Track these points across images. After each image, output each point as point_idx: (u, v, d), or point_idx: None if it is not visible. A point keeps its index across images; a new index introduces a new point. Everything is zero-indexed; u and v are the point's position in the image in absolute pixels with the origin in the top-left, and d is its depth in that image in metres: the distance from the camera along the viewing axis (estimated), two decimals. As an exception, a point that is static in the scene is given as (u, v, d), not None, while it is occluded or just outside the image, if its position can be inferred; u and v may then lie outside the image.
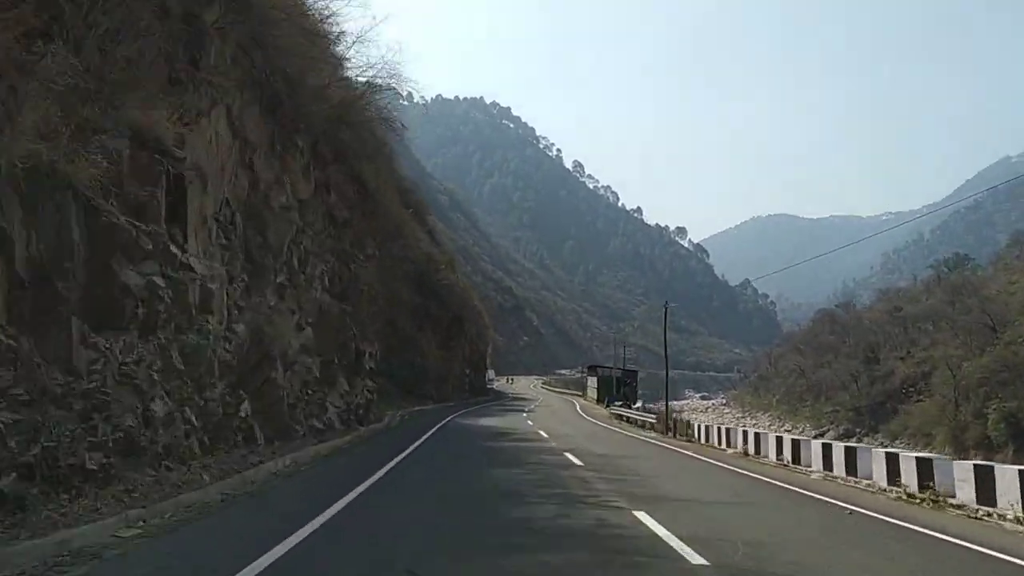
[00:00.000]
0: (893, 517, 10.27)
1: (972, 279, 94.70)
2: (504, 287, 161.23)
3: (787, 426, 78.24)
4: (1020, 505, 10.84)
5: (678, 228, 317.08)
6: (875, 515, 10.44)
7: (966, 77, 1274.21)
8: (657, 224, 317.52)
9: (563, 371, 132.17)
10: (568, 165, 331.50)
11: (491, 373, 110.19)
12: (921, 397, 65.20)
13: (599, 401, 65.01)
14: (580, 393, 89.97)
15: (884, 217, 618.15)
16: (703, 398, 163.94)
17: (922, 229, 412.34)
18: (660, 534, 7.97)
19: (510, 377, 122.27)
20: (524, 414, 38.94)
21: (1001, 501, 11.50)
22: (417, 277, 47.62)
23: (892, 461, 14.52)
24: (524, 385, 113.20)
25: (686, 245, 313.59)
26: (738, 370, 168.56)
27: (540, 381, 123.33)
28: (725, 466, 17.70)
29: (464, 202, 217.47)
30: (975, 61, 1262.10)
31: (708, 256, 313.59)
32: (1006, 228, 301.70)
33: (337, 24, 20.51)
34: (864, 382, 75.85)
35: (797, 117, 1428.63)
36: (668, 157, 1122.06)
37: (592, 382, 78.54)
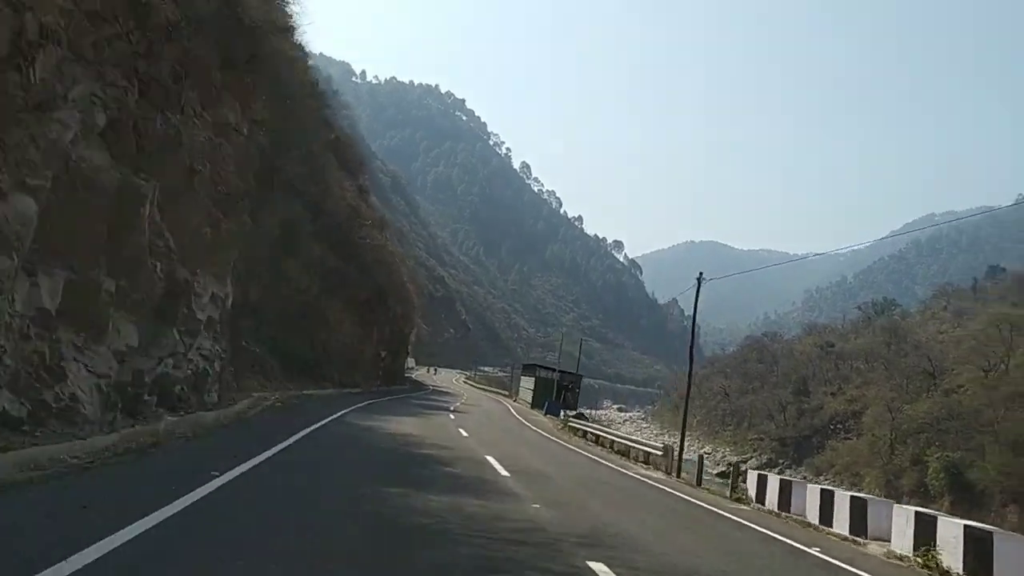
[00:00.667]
0: None
1: (901, 324, 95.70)
2: (436, 276, 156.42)
3: (706, 448, 76.60)
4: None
5: (615, 241, 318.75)
6: None
7: (900, 137, 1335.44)
8: (596, 235, 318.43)
9: (487, 368, 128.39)
10: (516, 165, 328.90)
11: (411, 361, 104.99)
12: (849, 435, 64.15)
13: (534, 405, 59.13)
14: (507, 393, 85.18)
15: (811, 257, 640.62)
16: (620, 409, 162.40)
17: (845, 272, 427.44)
18: None
19: (433, 368, 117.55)
20: (451, 415, 29.09)
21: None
22: (335, 232, 37.56)
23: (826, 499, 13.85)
24: (446, 378, 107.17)
25: (621, 259, 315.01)
26: (659, 386, 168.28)
27: (463, 376, 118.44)
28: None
29: (406, 186, 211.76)
30: (909, 122, 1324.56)
31: (641, 273, 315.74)
32: (925, 280, 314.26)
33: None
34: (792, 414, 74.79)
35: (737, 151, 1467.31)
36: (612, 171, 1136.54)
37: (527, 383, 71.06)
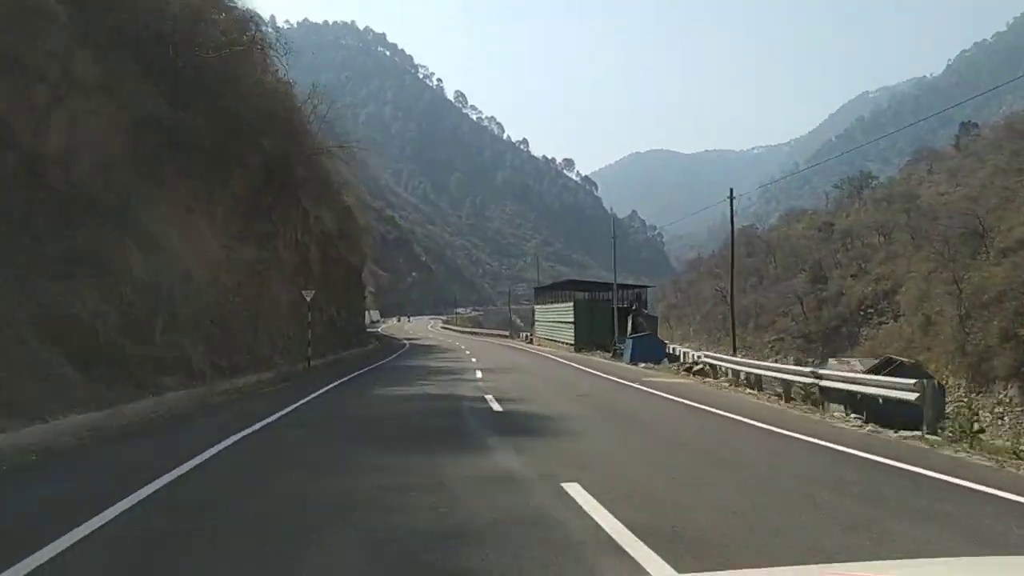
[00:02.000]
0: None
1: (901, 190, 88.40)
2: (386, 217, 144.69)
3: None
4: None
5: (565, 160, 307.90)
6: None
7: (822, 18, 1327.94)
8: (544, 156, 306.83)
9: (460, 310, 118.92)
10: (450, 96, 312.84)
11: (374, 314, 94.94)
12: (884, 319, 56.62)
13: (579, 346, 38.83)
14: (507, 334, 71.00)
15: (755, 151, 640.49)
16: None
17: (796, 160, 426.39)
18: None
19: (405, 316, 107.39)
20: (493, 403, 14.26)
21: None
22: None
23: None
24: (420, 327, 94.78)
25: (574, 178, 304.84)
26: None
27: (438, 321, 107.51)
28: None
29: (336, 125, 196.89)
30: (830, 4, 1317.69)
31: (597, 189, 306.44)
32: (876, 156, 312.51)
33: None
34: (811, 305, 67.10)
35: (666, 57, 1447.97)
36: (546, 93, 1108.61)
37: (551, 314, 49.59)
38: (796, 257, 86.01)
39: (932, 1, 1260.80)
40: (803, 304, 67.52)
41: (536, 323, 58.59)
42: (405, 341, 55.79)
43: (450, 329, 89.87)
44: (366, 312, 76.10)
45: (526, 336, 64.24)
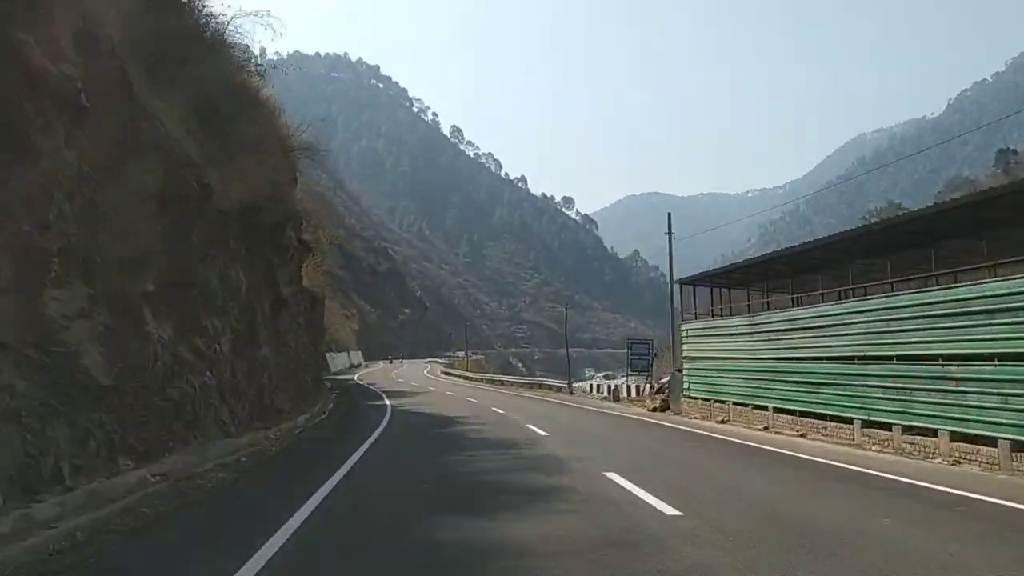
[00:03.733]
0: None
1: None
2: (377, 248, 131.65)
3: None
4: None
5: (565, 198, 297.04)
6: None
7: (811, 64, 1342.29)
8: (543, 194, 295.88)
9: (460, 352, 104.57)
10: (446, 131, 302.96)
11: (354, 356, 79.98)
12: None
13: None
14: (561, 386, 45.30)
15: (750, 194, 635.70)
16: (607, 377, 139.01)
17: (796, 202, 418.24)
18: None
19: (394, 359, 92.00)
20: None
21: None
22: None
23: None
24: (415, 373, 70.94)
25: (574, 216, 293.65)
26: (650, 343, 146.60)
27: (438, 365, 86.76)
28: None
29: (327, 159, 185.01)
30: (819, 48, 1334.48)
31: (597, 227, 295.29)
32: (877, 197, 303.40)
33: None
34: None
35: (661, 103, 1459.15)
36: (544, 132, 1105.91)
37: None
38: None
39: (927, 44, 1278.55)
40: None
41: (691, 365, 25.46)
42: (386, 402, 30.48)
43: (454, 376, 68.48)
44: (327, 355, 61.05)
45: (607, 391, 40.28)
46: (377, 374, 65.32)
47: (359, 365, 78.42)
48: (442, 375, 71.76)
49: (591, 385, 47.94)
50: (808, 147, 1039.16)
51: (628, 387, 37.34)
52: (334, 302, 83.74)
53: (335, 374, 58.65)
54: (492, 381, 57.62)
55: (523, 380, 58.99)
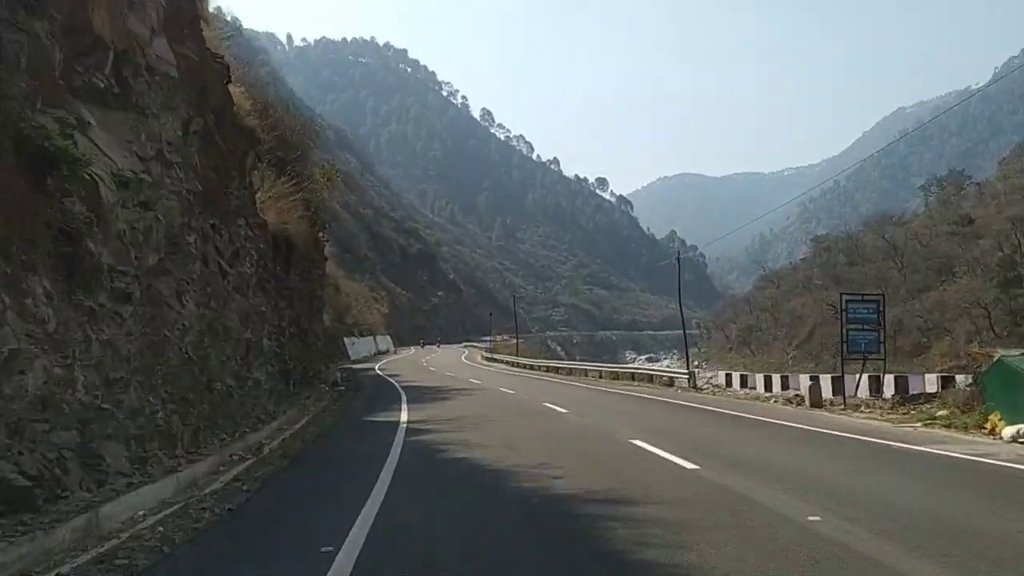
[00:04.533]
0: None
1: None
2: (408, 229, 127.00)
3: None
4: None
5: (599, 179, 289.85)
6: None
7: (849, 38, 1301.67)
8: (576, 176, 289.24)
9: (500, 336, 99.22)
10: (476, 114, 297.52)
11: (382, 341, 74.21)
12: None
13: None
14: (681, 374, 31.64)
15: (786, 173, 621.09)
16: (650, 360, 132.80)
17: (836, 178, 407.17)
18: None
19: (426, 342, 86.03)
20: None
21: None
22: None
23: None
24: (452, 359, 60.77)
25: (608, 197, 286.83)
26: (698, 324, 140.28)
27: (478, 351, 75.16)
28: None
29: (353, 142, 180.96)
30: (857, 21, 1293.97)
31: (632, 208, 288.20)
32: (920, 171, 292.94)
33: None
34: (999, 312, 47.57)
35: (691, 83, 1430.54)
36: (573, 115, 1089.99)
37: None
38: (932, 259, 66.84)
39: (968, 11, 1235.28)
40: (990, 314, 47.82)
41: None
42: (400, 417, 18.62)
43: (499, 362, 55.86)
44: (346, 339, 56.39)
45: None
46: (405, 362, 54.81)
47: (387, 351, 71.69)
48: (484, 361, 60.64)
49: (724, 378, 30.52)
50: (843, 125, 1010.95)
51: (839, 384, 20.96)
52: (360, 283, 79.10)
53: (355, 362, 51.77)
54: (551, 369, 45.27)
55: (598, 367, 41.78)
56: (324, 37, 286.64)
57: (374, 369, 44.58)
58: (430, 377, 37.43)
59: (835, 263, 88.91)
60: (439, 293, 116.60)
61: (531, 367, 48.12)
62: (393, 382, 32.60)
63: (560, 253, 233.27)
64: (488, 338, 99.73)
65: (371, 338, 69.08)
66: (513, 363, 52.66)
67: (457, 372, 41.99)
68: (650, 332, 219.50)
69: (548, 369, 45.38)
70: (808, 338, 79.56)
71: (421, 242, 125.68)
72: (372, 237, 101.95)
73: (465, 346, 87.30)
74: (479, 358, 64.06)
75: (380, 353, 67.54)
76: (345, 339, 54.91)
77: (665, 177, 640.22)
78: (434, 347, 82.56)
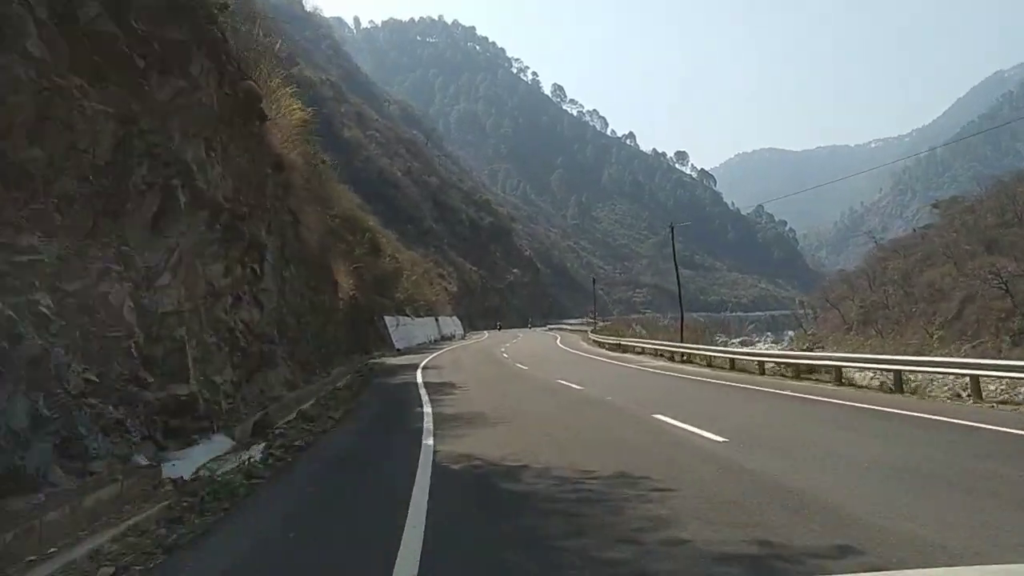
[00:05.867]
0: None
1: None
2: (479, 201, 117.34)
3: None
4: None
5: (678, 153, 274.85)
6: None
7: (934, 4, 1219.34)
8: (654, 150, 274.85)
9: (573, 321, 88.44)
10: (547, 90, 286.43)
11: (447, 324, 60.90)
12: None
13: None
14: None
15: (872, 145, 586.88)
16: (743, 343, 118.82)
17: (933, 144, 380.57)
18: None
19: (504, 326, 75.75)
20: None
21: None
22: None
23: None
24: (544, 348, 42.99)
25: (688, 172, 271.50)
26: (801, 303, 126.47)
27: (577, 334, 60.90)
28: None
29: (421, 118, 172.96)
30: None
31: (715, 183, 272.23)
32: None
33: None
34: None
35: (763, 51, 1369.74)
36: (649, 90, 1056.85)
37: None
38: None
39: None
40: None
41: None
42: None
43: (636, 354, 34.14)
44: (388, 320, 41.56)
45: None
46: (469, 355, 37.38)
47: (452, 337, 58.61)
48: (592, 347, 43.53)
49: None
50: (931, 94, 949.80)
51: None
52: (426, 258, 69.52)
53: (402, 353, 38.12)
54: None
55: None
56: (392, 18, 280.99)
57: (418, 370, 26.02)
58: (534, 407, 14.56)
59: (982, 226, 74.85)
60: (514, 271, 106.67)
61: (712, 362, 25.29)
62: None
63: (639, 231, 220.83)
64: (573, 320, 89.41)
65: (431, 320, 56.33)
66: (662, 351, 31.47)
67: (603, 386, 18.53)
68: (740, 313, 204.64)
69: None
70: (958, 315, 66.20)
71: (493, 215, 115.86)
72: (437, 207, 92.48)
73: (552, 329, 76.35)
74: (583, 343, 47.58)
75: (443, 339, 54.92)
76: (387, 319, 41.95)
77: (743, 153, 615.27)
78: (527, 330, 71.41)
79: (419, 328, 49.56)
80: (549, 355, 35.70)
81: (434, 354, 37.06)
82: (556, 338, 55.63)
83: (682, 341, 33.32)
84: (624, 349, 37.22)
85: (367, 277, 39.11)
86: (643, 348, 34.63)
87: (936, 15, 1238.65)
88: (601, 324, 61.42)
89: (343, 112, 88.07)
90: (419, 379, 22.02)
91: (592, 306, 77.42)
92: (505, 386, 19.05)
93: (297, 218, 20.86)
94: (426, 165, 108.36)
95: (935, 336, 73.32)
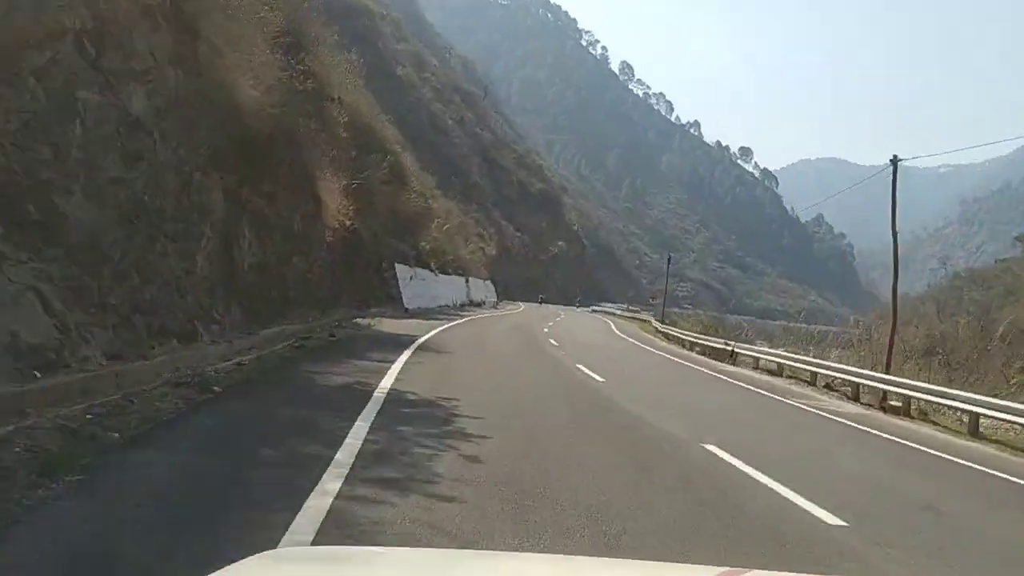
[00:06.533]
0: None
1: None
2: (530, 165, 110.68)
3: None
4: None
5: (742, 149, 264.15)
6: None
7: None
8: (718, 142, 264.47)
9: (611, 306, 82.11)
10: (615, 67, 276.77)
11: (479, 288, 54.02)
12: None
13: None
14: None
15: (942, 170, 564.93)
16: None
17: (1007, 177, 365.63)
18: None
19: (545, 299, 69.88)
20: None
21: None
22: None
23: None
24: (601, 332, 38.55)
25: (751, 170, 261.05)
26: (857, 321, 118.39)
27: (635, 322, 53.28)
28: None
29: (484, 76, 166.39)
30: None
31: (777, 185, 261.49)
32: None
33: None
34: None
35: (842, 59, 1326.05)
36: (719, 80, 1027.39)
37: None
38: None
39: None
40: None
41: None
42: None
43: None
44: (400, 268, 33.64)
45: None
46: (499, 333, 28.79)
47: (482, 303, 52.00)
48: (669, 344, 34.08)
49: None
50: (1012, 124, 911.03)
51: None
52: (466, 214, 63.12)
53: (412, 315, 30.60)
54: None
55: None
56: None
57: (399, 359, 14.87)
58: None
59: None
60: (560, 243, 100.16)
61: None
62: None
63: (692, 223, 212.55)
64: (611, 305, 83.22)
65: (460, 280, 48.79)
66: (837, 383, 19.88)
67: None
68: (784, 323, 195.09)
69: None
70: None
71: (544, 182, 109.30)
72: (486, 163, 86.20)
73: (596, 310, 70.29)
74: (647, 335, 38.21)
75: (471, 305, 47.96)
76: (399, 268, 34.29)
77: (807, 160, 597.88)
78: (580, 306, 64.94)
79: (443, 287, 42.95)
80: (626, 355, 25.67)
81: (451, 323, 29.19)
82: (610, 324, 46.43)
83: (888, 369, 19.15)
84: (731, 359, 25.40)
85: (380, 208, 32.01)
86: (780, 365, 22.37)
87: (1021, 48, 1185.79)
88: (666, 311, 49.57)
89: (399, 49, 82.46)
90: (386, 383, 11.24)
91: (658, 291, 70.57)
92: (585, 444, 8.83)
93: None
94: (481, 119, 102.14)
95: (1013, 380, 64.64)
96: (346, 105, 28.26)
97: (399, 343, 17.75)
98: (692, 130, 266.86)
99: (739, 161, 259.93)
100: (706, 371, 22.32)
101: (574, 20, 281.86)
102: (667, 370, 22.36)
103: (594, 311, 69.92)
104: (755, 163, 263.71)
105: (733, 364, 24.73)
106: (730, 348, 26.36)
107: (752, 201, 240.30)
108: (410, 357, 15.12)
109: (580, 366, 17.54)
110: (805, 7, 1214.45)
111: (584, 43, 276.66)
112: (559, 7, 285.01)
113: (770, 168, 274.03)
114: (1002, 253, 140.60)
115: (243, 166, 15.11)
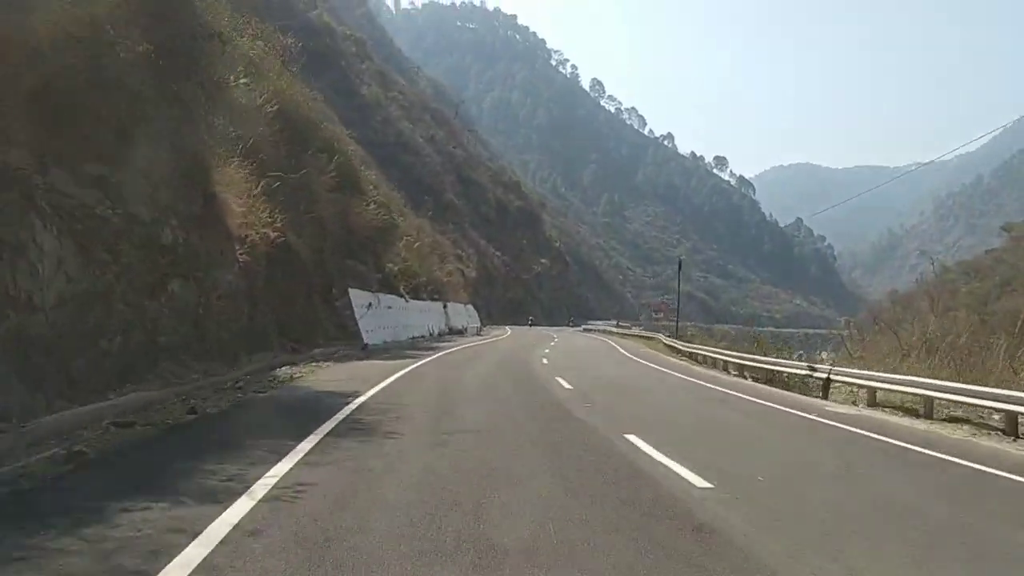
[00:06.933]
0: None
1: None
2: (507, 182, 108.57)
3: None
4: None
5: (717, 158, 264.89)
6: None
7: (987, 30, 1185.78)
8: (693, 153, 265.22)
9: (610, 321, 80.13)
10: (585, 85, 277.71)
11: (456, 313, 50.34)
12: None
13: None
14: None
15: (913, 167, 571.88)
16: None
17: (978, 171, 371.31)
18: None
19: (535, 322, 67.63)
20: None
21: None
22: None
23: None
24: (609, 359, 29.38)
25: (727, 178, 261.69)
26: (847, 321, 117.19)
27: (617, 331, 54.85)
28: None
29: (454, 96, 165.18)
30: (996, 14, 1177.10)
31: (754, 192, 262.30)
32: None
33: None
34: None
35: (808, 65, 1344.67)
36: (682, 94, 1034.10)
37: None
38: None
39: None
40: None
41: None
42: None
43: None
44: (353, 294, 28.61)
45: None
46: (485, 369, 20.68)
47: (463, 330, 47.83)
48: (683, 361, 28.84)
49: None
50: (980, 120, 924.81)
51: None
52: (443, 235, 60.61)
53: (365, 350, 25.45)
54: None
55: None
56: (432, 0, 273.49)
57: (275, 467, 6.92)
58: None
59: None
60: (543, 261, 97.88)
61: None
62: None
63: (672, 235, 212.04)
64: (599, 322, 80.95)
65: (436, 305, 44.75)
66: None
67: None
68: (772, 328, 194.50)
69: None
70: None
71: (522, 199, 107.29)
72: (461, 182, 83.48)
73: (588, 329, 67.17)
74: (654, 356, 32.10)
75: (451, 333, 44.07)
76: (353, 294, 28.54)
77: (780, 166, 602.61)
78: (552, 329, 62.53)
79: (415, 315, 37.88)
80: (700, 403, 15.11)
81: (420, 361, 21.94)
82: (616, 347, 38.33)
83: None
84: (822, 392, 16.81)
85: (327, 220, 26.96)
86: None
87: (986, 43, 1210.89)
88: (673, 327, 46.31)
89: (364, 68, 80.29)
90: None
91: (661, 303, 68.35)
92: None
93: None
94: (454, 136, 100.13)
95: (1022, 374, 62.40)
96: (254, 66, 21.97)
97: (316, 412, 10.32)
98: (666, 142, 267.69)
99: (715, 170, 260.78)
100: (844, 428, 11.63)
101: (543, 40, 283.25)
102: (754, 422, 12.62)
103: (587, 330, 67.06)
104: (731, 171, 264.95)
105: (824, 397, 16.56)
106: (820, 375, 17.17)
107: (730, 209, 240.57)
108: (308, 454, 7.46)
109: (645, 447, 8.48)
110: (766, 20, 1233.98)
111: (554, 62, 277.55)
112: (527, 28, 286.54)
113: (745, 175, 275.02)
114: (979, 246, 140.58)
115: (41, 132, 9.66)
